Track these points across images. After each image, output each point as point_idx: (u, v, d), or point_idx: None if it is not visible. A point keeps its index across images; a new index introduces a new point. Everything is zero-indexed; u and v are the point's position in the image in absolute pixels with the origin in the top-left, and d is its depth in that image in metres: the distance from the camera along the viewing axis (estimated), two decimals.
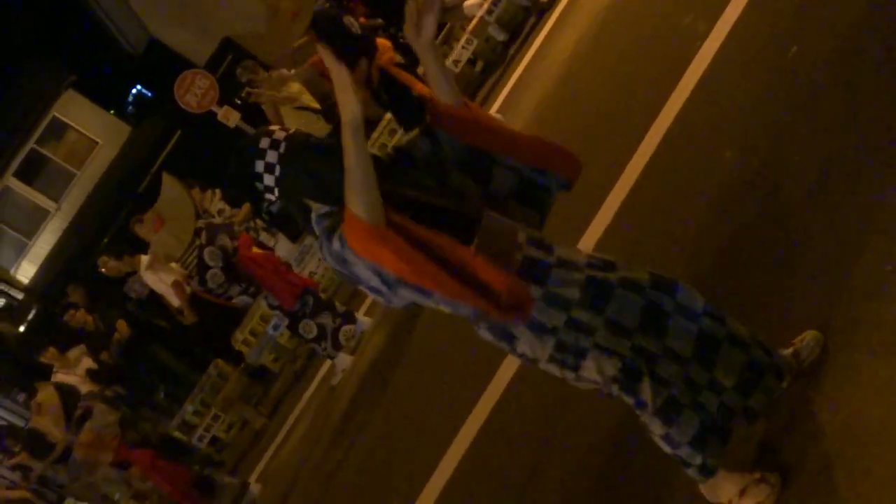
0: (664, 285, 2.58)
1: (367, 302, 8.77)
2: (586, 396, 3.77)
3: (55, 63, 19.66)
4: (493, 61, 10.39)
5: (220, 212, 10.08)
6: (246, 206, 10.17)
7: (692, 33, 5.34)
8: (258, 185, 2.64)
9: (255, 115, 10.25)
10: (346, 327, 8.06)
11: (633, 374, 2.52)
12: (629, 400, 2.56)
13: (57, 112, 19.89)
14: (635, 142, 5.05)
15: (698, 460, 2.60)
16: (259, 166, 2.62)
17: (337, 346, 8.06)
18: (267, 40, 8.34)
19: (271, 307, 8.05)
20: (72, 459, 8.74)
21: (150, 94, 21.99)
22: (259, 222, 10.33)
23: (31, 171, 20.18)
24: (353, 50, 7.22)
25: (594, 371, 2.54)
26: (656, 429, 2.58)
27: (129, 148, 19.87)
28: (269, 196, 2.65)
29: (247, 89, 8.97)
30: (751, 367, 2.58)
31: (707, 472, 2.62)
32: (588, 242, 4.78)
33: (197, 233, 7.98)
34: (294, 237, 10.92)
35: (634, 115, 5.41)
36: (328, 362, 8.38)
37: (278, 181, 2.62)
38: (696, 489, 2.71)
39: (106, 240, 16.99)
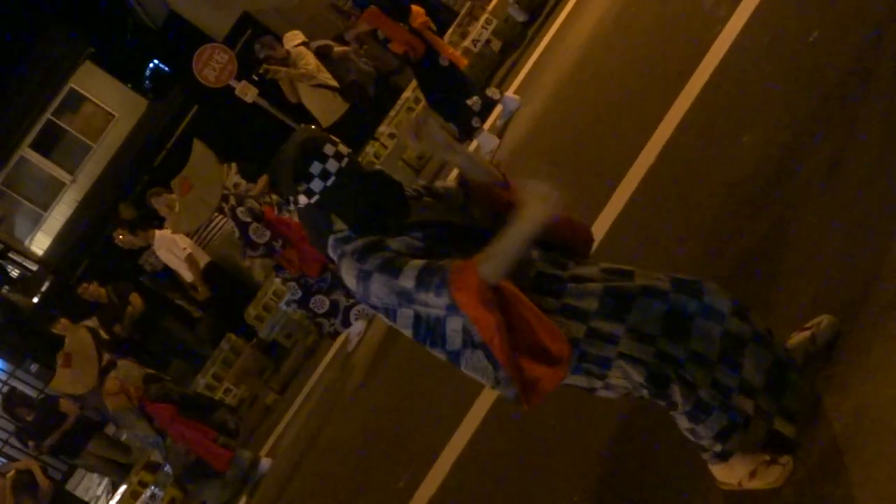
0: (687, 288, 2.57)
1: None
2: None
3: (73, 35, 19.70)
4: (512, 42, 10.38)
5: (235, 185, 10.11)
6: (262, 180, 10.19)
7: (713, 17, 5.34)
8: (301, 185, 2.59)
9: (272, 91, 10.28)
10: (360, 306, 8.10)
11: (661, 380, 2.51)
12: (661, 402, 2.57)
13: (74, 84, 19.95)
14: (653, 124, 5.05)
15: (718, 448, 2.61)
16: (315, 168, 2.58)
17: (346, 324, 8.11)
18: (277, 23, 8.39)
19: (285, 280, 8.05)
20: (114, 415, 8.73)
21: (167, 69, 22.01)
22: (275, 197, 10.36)
23: (48, 143, 20.25)
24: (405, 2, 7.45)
25: (621, 378, 2.55)
26: (682, 423, 2.60)
27: (145, 122, 19.91)
28: (301, 198, 2.61)
29: (265, 65, 8.99)
30: (778, 365, 2.59)
31: (723, 457, 2.63)
32: (604, 223, 4.80)
33: (225, 198, 7.95)
34: None
35: (653, 98, 5.41)
36: (340, 339, 8.42)
37: (326, 190, 2.59)
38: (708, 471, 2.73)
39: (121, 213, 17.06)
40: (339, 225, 2.62)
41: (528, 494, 3.98)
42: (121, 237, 10.23)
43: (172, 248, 9.57)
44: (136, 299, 11.47)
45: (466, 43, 9.84)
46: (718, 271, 2.74)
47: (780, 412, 2.60)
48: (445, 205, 2.74)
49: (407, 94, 10.81)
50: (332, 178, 2.58)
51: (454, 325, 2.52)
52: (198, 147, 8.58)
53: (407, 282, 2.46)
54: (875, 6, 3.93)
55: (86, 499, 13.20)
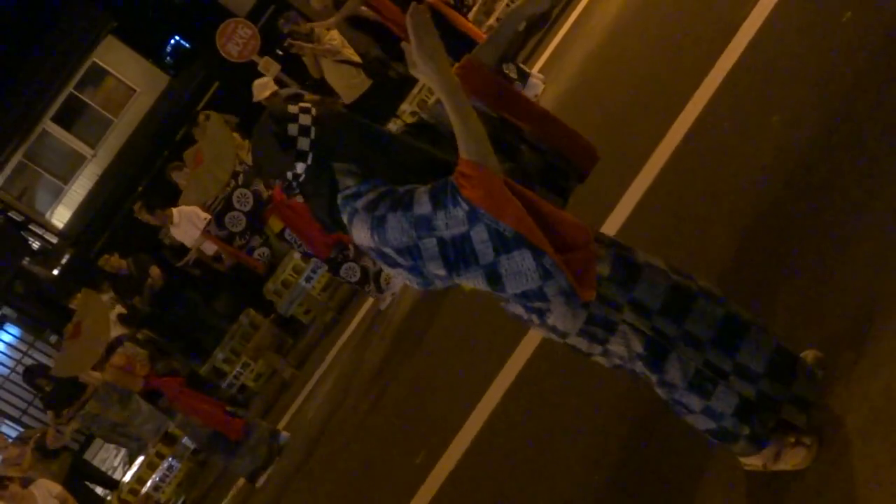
0: (683, 272, 2.58)
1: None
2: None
3: (96, 8, 19.71)
4: (535, 22, 10.28)
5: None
6: None
7: (734, 11, 5.28)
8: (290, 151, 2.56)
9: (295, 66, 10.26)
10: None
11: (659, 351, 2.50)
12: (654, 377, 2.54)
13: (96, 58, 19.99)
14: (680, 105, 5.01)
15: (746, 430, 2.54)
16: (292, 129, 2.56)
17: (380, 290, 8.14)
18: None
19: (306, 255, 8.06)
20: (102, 386, 8.77)
21: (188, 45, 22.00)
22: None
23: (69, 116, 20.33)
24: None
25: (622, 346, 2.53)
26: (694, 403, 2.54)
27: (166, 97, 19.94)
28: (299, 165, 2.58)
29: (288, 40, 8.97)
30: (780, 353, 2.56)
31: (758, 441, 2.57)
32: (627, 204, 4.77)
33: (234, 176, 7.97)
34: None
35: (681, 79, 5.36)
36: (359, 313, 8.44)
37: (315, 144, 2.56)
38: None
39: (141, 188, 17.13)
40: (343, 183, 2.56)
41: (543, 474, 3.98)
42: (142, 212, 10.28)
43: (194, 220, 9.58)
44: (155, 272, 11.53)
45: (491, 21, 9.79)
46: (741, 256, 2.71)
47: (790, 399, 2.56)
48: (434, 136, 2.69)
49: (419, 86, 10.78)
50: (313, 130, 2.57)
51: (481, 237, 2.37)
52: (215, 120, 8.57)
53: (422, 207, 2.38)
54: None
55: (103, 469, 13.33)
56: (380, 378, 7.11)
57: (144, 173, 17.35)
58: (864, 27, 3.96)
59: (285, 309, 10.20)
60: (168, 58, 22.34)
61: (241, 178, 7.91)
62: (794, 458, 2.59)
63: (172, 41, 22.51)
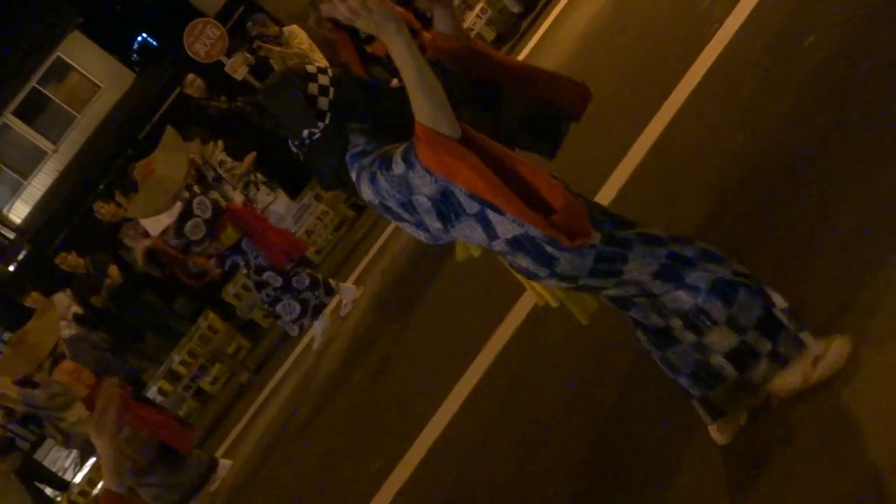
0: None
1: (354, 274, 8.79)
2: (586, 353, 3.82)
3: (63, 3, 19.52)
4: (505, 33, 10.37)
5: (221, 163, 10.06)
6: (248, 159, 10.15)
7: (709, 17, 5.36)
8: (312, 110, 2.59)
9: (263, 69, 10.22)
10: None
11: (676, 269, 2.55)
12: (674, 290, 2.55)
13: (61, 53, 19.78)
14: (644, 122, 5.07)
15: (768, 346, 2.57)
16: (313, 88, 2.60)
17: (329, 292, 8.10)
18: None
19: (260, 269, 7.97)
20: (48, 382, 8.58)
21: (155, 43, 21.84)
22: (259, 175, 10.33)
23: (32, 111, 20.08)
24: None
25: (636, 271, 2.54)
26: (718, 314, 2.55)
27: (131, 95, 19.77)
28: (318, 126, 2.60)
29: (257, 42, 8.94)
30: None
31: (781, 358, 2.59)
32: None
33: (188, 188, 7.86)
34: (293, 193, 10.94)
35: (646, 95, 5.42)
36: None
37: (334, 102, 2.60)
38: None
39: (102, 185, 16.93)
40: (354, 140, 2.61)
41: (500, 486, 3.99)
42: (102, 210, 10.17)
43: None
44: (114, 271, 11.39)
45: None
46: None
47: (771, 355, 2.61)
48: None
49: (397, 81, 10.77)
50: (332, 90, 2.61)
51: (462, 192, 2.44)
52: (169, 133, 8.51)
53: (398, 167, 2.45)
54: (870, 13, 3.96)
55: (54, 469, 13.14)
56: (336, 385, 7.08)
57: (106, 171, 17.15)
58: (826, 52, 4.04)
59: (245, 313, 10.14)
60: (134, 55, 22.18)
61: (196, 188, 7.82)
62: (831, 361, 2.59)
63: (139, 38, 22.36)
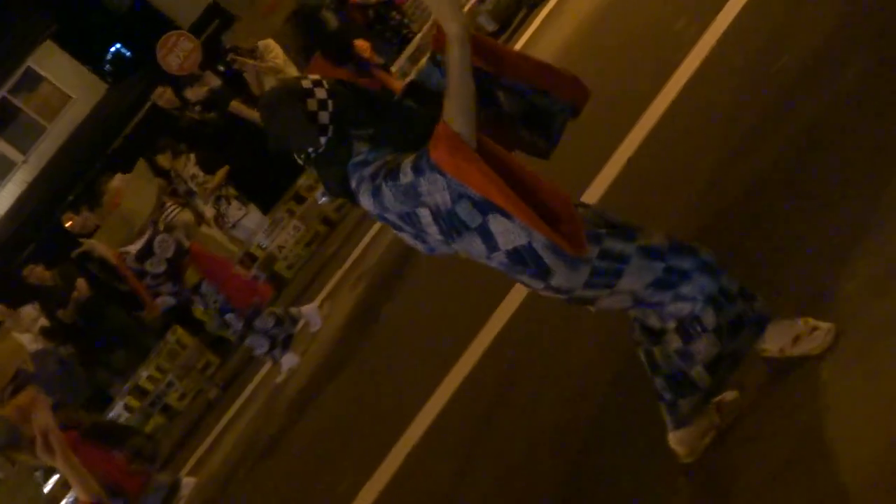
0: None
1: (325, 290, 8.75)
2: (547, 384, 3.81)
3: (35, 12, 19.38)
4: None
5: (192, 177, 10.00)
6: (220, 173, 10.09)
7: (683, 38, 5.40)
8: (313, 125, 2.57)
9: (236, 82, 10.19)
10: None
11: (674, 276, 2.59)
12: (669, 300, 2.59)
13: (32, 63, 19.61)
14: (616, 142, 5.09)
15: (757, 305, 2.66)
16: (312, 104, 2.57)
17: (295, 322, 8.05)
18: (242, 27, 8.28)
19: (223, 311, 7.89)
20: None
21: (129, 54, 21.73)
22: (232, 190, 10.26)
23: (1, 121, 19.89)
24: (328, 47, 7.25)
25: (630, 283, 2.59)
26: (709, 321, 2.60)
27: (103, 106, 19.63)
28: (320, 141, 2.58)
29: (231, 55, 8.92)
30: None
31: (762, 323, 2.68)
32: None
33: (153, 223, 7.77)
34: (266, 208, 10.89)
35: (619, 116, 5.43)
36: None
37: (333, 116, 2.58)
38: None
39: (71, 197, 16.78)
40: (357, 149, 2.60)
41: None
42: (72, 221, 10.06)
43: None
44: (82, 284, 11.25)
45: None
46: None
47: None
48: (433, 97, 2.68)
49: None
50: (330, 103, 2.59)
51: (466, 206, 2.47)
52: (141, 167, 8.46)
53: (407, 176, 2.47)
54: (841, 35, 4.00)
55: None
56: (305, 403, 7.03)
57: (76, 183, 17.01)
58: (797, 74, 4.09)
59: (214, 328, 10.03)
60: (107, 66, 22.04)
61: (160, 224, 7.74)
62: (812, 343, 2.67)
63: (112, 49, 22.23)
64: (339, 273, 8.78)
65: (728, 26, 5.03)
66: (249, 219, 10.50)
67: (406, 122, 2.63)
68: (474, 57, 2.58)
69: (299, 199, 10.48)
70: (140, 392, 10.25)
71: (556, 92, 2.71)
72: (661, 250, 2.60)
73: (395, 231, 2.66)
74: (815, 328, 2.69)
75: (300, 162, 2.70)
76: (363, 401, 6.07)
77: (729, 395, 2.85)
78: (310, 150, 2.62)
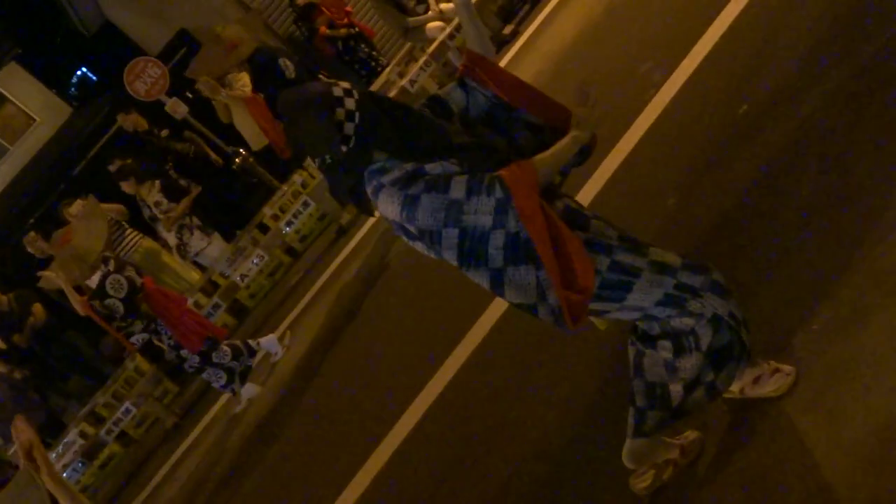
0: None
1: (286, 321, 8.73)
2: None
3: (0, 33, 19.23)
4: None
5: (156, 204, 9.94)
6: (184, 202, 10.04)
7: (647, 81, 5.51)
8: (336, 135, 2.59)
9: (203, 110, 10.19)
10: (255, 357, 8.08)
11: (683, 292, 2.63)
12: (676, 316, 2.63)
13: None
14: (581, 183, 5.16)
15: (710, 376, 2.68)
16: (340, 114, 2.59)
17: (253, 353, 8.02)
18: (202, 61, 8.24)
19: (177, 346, 7.86)
20: None
21: (95, 78, 21.60)
22: (195, 219, 10.21)
23: None
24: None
25: (640, 298, 2.62)
26: (705, 342, 2.64)
27: (67, 130, 19.46)
28: (341, 150, 2.60)
29: (198, 84, 8.90)
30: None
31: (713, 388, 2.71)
32: None
33: (105, 261, 7.71)
34: (230, 236, 10.84)
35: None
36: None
37: (358, 129, 2.60)
38: None
39: (32, 220, 16.59)
40: (374, 157, 2.62)
41: None
42: (33, 244, 9.97)
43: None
44: (38, 309, 11.13)
45: (403, 82, 9.93)
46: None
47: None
48: (454, 118, 2.78)
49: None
50: (357, 115, 2.61)
51: (497, 243, 2.49)
52: (89, 202, 8.41)
53: (457, 192, 2.48)
54: (801, 86, 4.12)
55: None
56: (265, 433, 6.99)
57: (37, 207, 16.82)
58: (760, 122, 4.20)
59: (172, 359, 9.94)
60: (72, 89, 21.90)
61: (112, 264, 7.70)
62: (772, 385, 2.76)
63: (79, 73, 22.10)
64: (302, 303, 8.78)
65: (692, 72, 5.15)
66: (212, 248, 10.46)
67: (429, 134, 2.65)
68: (497, 87, 2.69)
69: (263, 229, 10.46)
70: (96, 418, 10.09)
71: (552, 122, 2.78)
72: (673, 266, 2.64)
73: (403, 237, 2.67)
74: (776, 370, 2.76)
75: (314, 163, 2.73)
76: (325, 431, 6.05)
77: (691, 435, 2.90)
78: (326, 157, 2.64)
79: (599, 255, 2.59)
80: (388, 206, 2.57)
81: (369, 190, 2.62)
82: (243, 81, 8.57)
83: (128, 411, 9.95)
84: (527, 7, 10.43)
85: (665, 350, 2.69)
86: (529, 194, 2.48)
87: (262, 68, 7.33)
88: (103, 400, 10.08)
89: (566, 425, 3.65)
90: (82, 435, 9.99)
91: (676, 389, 2.69)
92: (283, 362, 7.92)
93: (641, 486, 2.90)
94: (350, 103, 2.61)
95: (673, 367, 2.68)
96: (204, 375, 8.02)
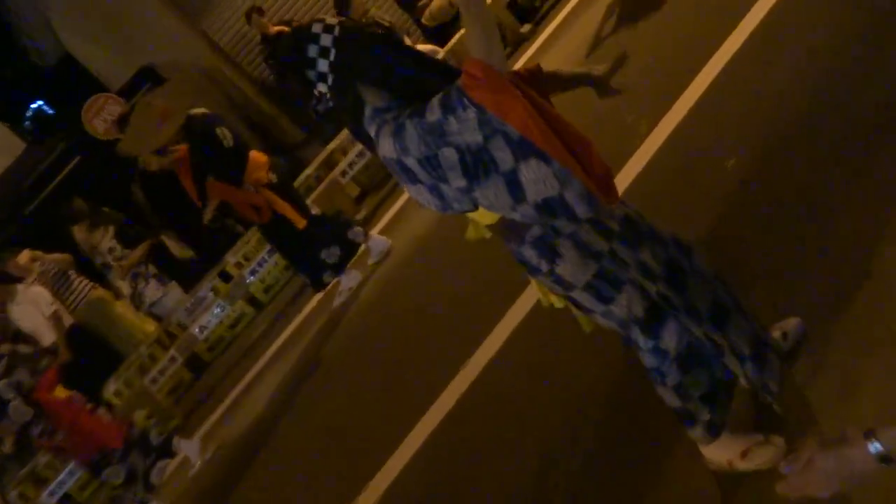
0: (682, 246, 2.78)
1: (244, 380, 8.67)
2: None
3: None
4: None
5: (110, 250, 9.90)
6: (140, 249, 9.99)
7: (633, 131, 5.57)
8: (310, 73, 2.62)
9: (165, 148, 10.17)
10: (160, 463, 7.95)
11: (659, 315, 2.65)
12: (648, 343, 2.67)
13: None
14: None
15: (706, 416, 2.75)
16: (312, 51, 2.62)
17: (149, 489, 7.89)
18: (135, 138, 8.25)
19: (58, 451, 7.75)
20: None
21: (51, 112, 21.62)
22: (151, 268, 10.15)
23: None
24: (222, 167, 7.32)
25: (624, 306, 2.64)
26: (671, 378, 2.70)
27: (20, 165, 19.40)
28: (320, 87, 2.63)
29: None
30: (758, 342, 2.77)
31: (714, 429, 2.78)
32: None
33: (9, 385, 7.62)
34: (188, 287, 10.77)
35: None
36: (209, 419, 8.19)
37: (332, 66, 2.61)
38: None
39: None
40: (370, 98, 2.62)
41: None
42: None
43: (39, 302, 9.22)
44: None
45: (335, 174, 10.06)
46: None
47: (764, 388, 2.75)
48: None
49: (308, 171, 10.89)
50: (333, 52, 2.62)
51: (498, 144, 2.45)
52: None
53: (434, 114, 2.45)
54: (791, 137, 4.18)
55: None
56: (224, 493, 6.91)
57: None
58: (746, 176, 4.24)
59: (126, 412, 9.82)
60: (27, 122, 21.89)
61: (3, 363, 7.62)
62: (761, 457, 2.74)
63: (34, 105, 22.10)
64: (263, 360, 8.71)
65: (678, 123, 5.22)
66: (169, 298, 10.39)
67: (419, 74, 2.64)
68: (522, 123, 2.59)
69: (225, 277, 10.40)
70: (37, 479, 9.93)
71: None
72: (657, 275, 2.67)
73: (409, 186, 2.64)
74: (765, 442, 2.75)
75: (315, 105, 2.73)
76: (354, 417, 5.99)
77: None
78: (314, 103, 2.67)
79: (602, 237, 2.62)
80: (385, 143, 2.57)
81: (372, 131, 2.63)
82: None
83: (72, 472, 9.79)
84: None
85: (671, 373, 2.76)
86: (489, 88, 2.40)
87: (200, 139, 7.34)
88: (45, 459, 9.92)
89: (603, 404, 3.62)
90: (22, 497, 9.82)
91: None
92: (228, 433, 7.80)
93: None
94: (326, 39, 2.63)
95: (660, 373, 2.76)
96: (104, 474, 7.84)
